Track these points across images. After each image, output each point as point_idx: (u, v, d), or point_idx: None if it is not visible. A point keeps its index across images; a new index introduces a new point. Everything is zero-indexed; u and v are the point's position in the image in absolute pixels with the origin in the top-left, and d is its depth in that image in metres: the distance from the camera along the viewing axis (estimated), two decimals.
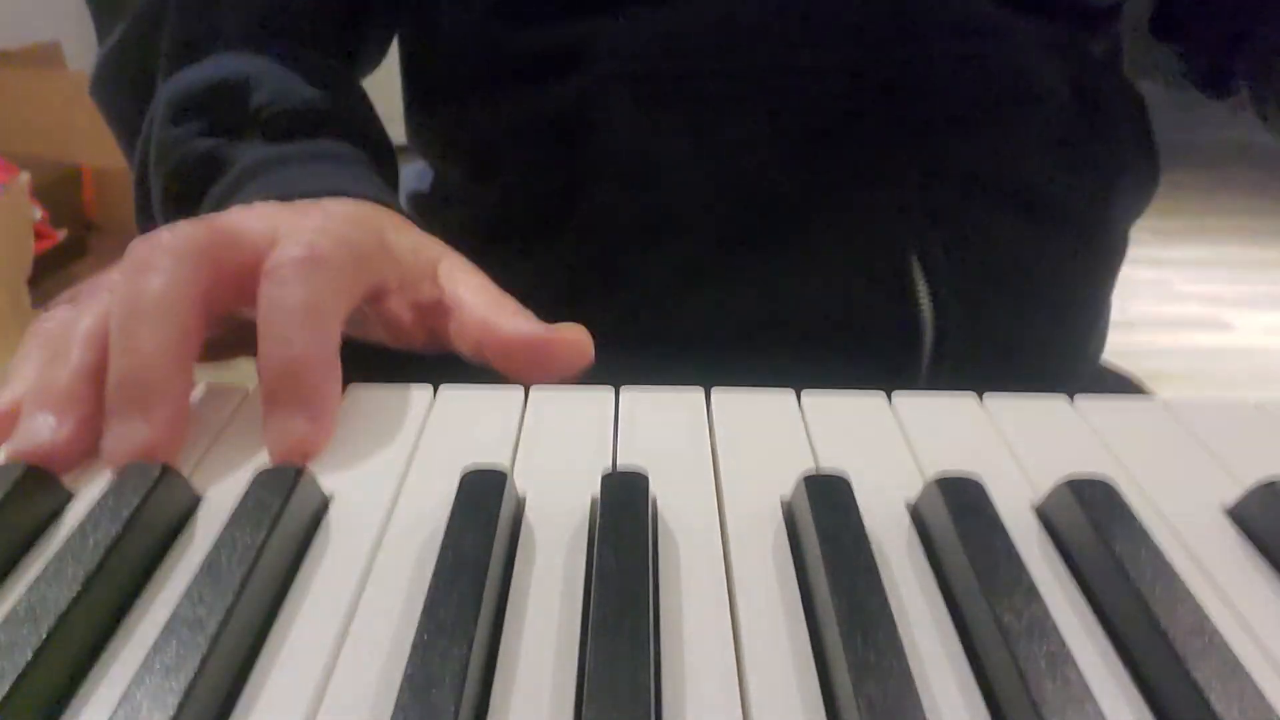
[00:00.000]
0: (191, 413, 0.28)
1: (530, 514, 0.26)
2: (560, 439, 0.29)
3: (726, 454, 0.29)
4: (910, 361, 0.47)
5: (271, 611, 0.22)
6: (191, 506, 0.26)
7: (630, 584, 0.21)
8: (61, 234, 1.84)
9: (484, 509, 0.23)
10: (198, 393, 0.31)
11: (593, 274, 0.48)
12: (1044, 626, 0.20)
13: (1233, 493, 0.27)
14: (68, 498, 0.26)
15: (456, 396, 0.31)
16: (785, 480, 0.27)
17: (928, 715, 0.19)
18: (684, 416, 0.30)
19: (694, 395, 0.31)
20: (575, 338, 0.33)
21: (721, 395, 0.31)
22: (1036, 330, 0.51)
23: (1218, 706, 0.19)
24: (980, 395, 0.32)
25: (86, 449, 0.27)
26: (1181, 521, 0.26)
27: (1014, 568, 0.22)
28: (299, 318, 0.28)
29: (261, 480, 0.25)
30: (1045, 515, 0.26)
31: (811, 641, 0.22)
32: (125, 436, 0.26)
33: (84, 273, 1.83)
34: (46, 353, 0.29)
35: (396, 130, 0.50)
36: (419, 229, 0.38)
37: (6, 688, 0.19)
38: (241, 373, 0.37)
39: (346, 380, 0.30)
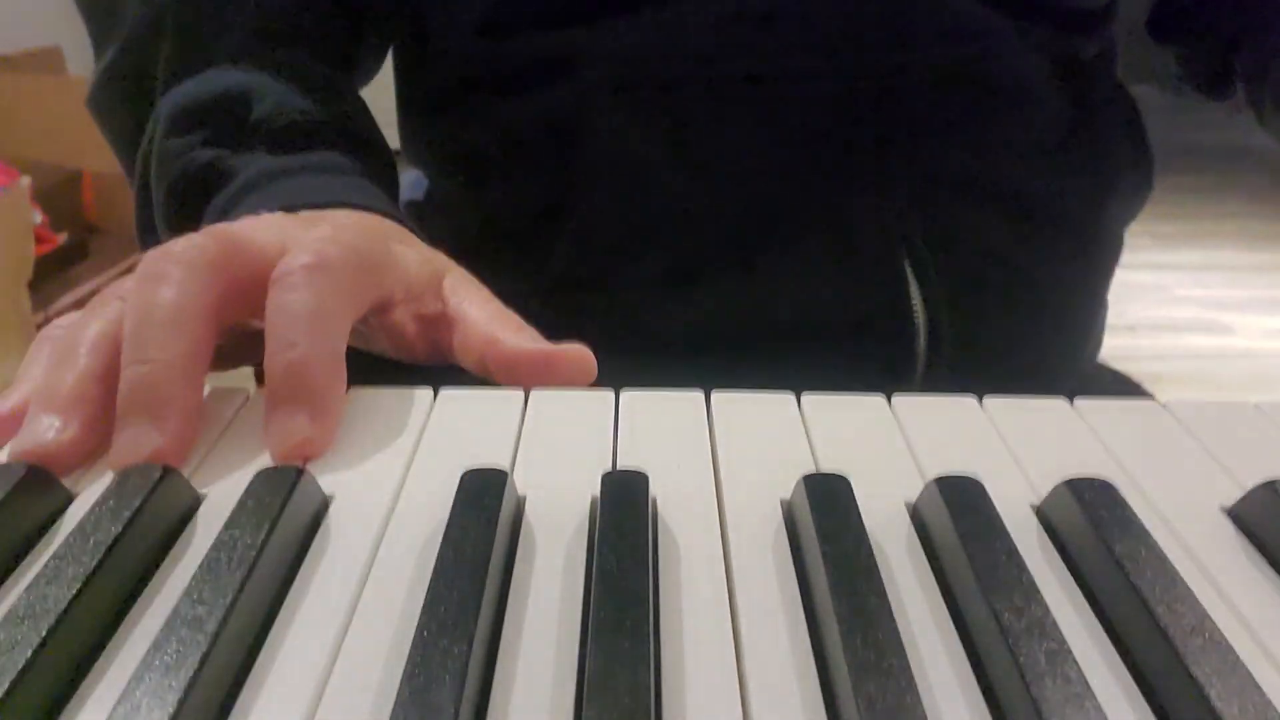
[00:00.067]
0: None
1: (530, 514, 0.26)
2: (560, 440, 0.29)
3: (726, 455, 0.29)
4: (904, 366, 0.47)
5: (271, 611, 0.22)
6: (192, 507, 0.26)
7: (630, 584, 0.21)
8: (62, 237, 1.84)
9: (484, 509, 0.23)
10: None
11: (584, 280, 0.48)
12: (1044, 626, 0.20)
13: (1233, 493, 0.27)
14: (68, 498, 0.26)
15: (457, 398, 0.31)
16: (785, 481, 0.27)
17: (928, 715, 0.19)
18: (684, 418, 0.30)
19: (694, 397, 0.31)
20: (579, 355, 0.33)
21: (721, 397, 0.31)
22: (1030, 333, 0.51)
23: (1217, 705, 0.19)
24: (980, 397, 0.32)
25: (89, 451, 0.27)
26: (1181, 521, 0.26)
27: (1014, 568, 0.22)
28: (305, 321, 0.28)
29: (261, 480, 0.25)
30: (1045, 515, 0.26)
31: (811, 641, 0.22)
32: (134, 443, 0.26)
33: (84, 276, 1.83)
34: (54, 356, 0.29)
35: (391, 136, 0.50)
36: (423, 242, 0.39)
37: (6, 687, 0.19)
38: (243, 373, 0.37)
39: (348, 384, 0.30)
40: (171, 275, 0.28)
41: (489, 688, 0.20)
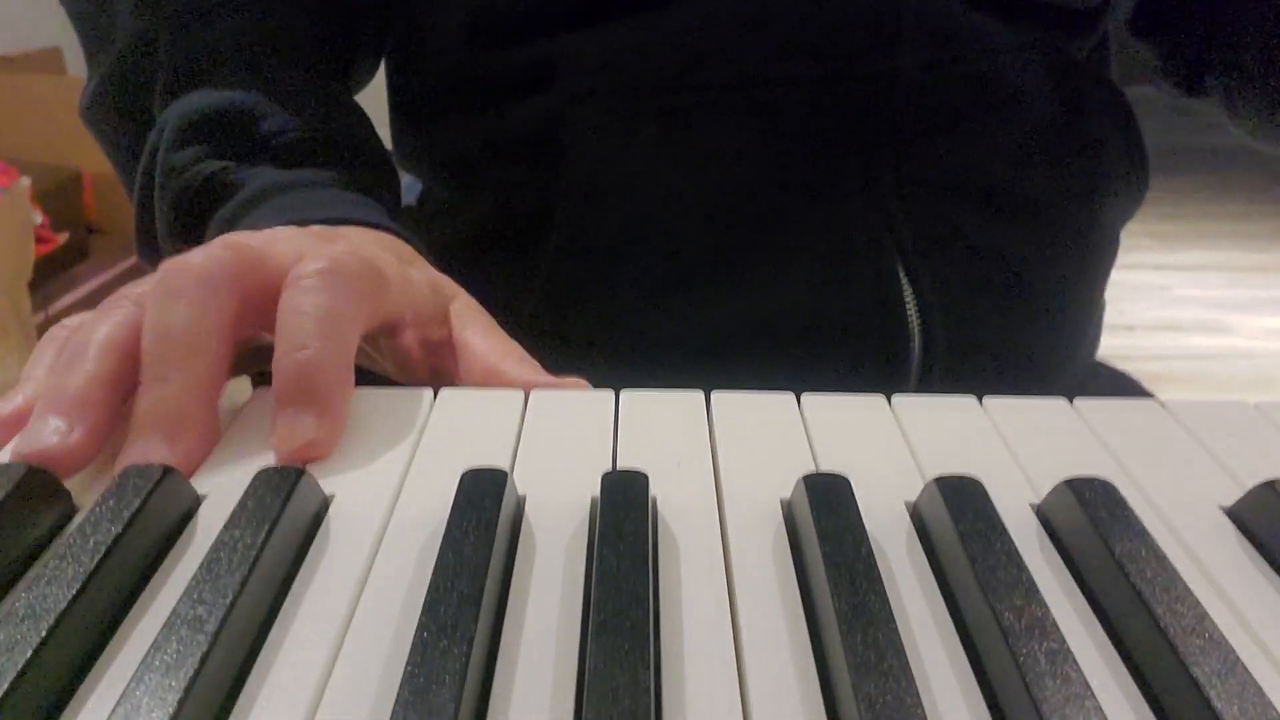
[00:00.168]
0: None
1: (530, 514, 0.26)
2: (560, 440, 0.29)
3: (726, 455, 0.29)
4: (899, 368, 0.47)
5: (271, 611, 0.22)
6: (192, 507, 0.26)
7: (630, 584, 0.21)
8: (62, 238, 1.84)
9: (484, 509, 0.23)
10: None
11: (574, 286, 0.48)
12: (1044, 625, 0.20)
13: (1232, 493, 0.27)
14: (69, 499, 0.26)
15: (456, 398, 0.31)
16: (785, 480, 0.27)
17: (928, 715, 0.19)
18: (684, 418, 0.30)
19: (694, 397, 0.31)
20: (578, 388, 0.33)
21: (721, 397, 0.31)
22: (1025, 335, 0.51)
23: (1217, 705, 0.19)
24: (980, 397, 0.32)
25: (93, 456, 0.27)
26: (1181, 521, 0.26)
27: (1014, 568, 0.22)
28: (316, 323, 0.28)
29: (261, 480, 0.25)
30: (1045, 515, 0.26)
31: (811, 641, 0.22)
32: (145, 458, 0.26)
33: (84, 276, 1.83)
34: (61, 357, 0.29)
35: (384, 140, 0.50)
36: (432, 265, 0.39)
37: (6, 687, 0.19)
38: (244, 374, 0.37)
39: None
40: (190, 292, 0.28)
41: (489, 688, 0.20)
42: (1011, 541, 0.23)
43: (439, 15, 0.49)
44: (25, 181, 1.67)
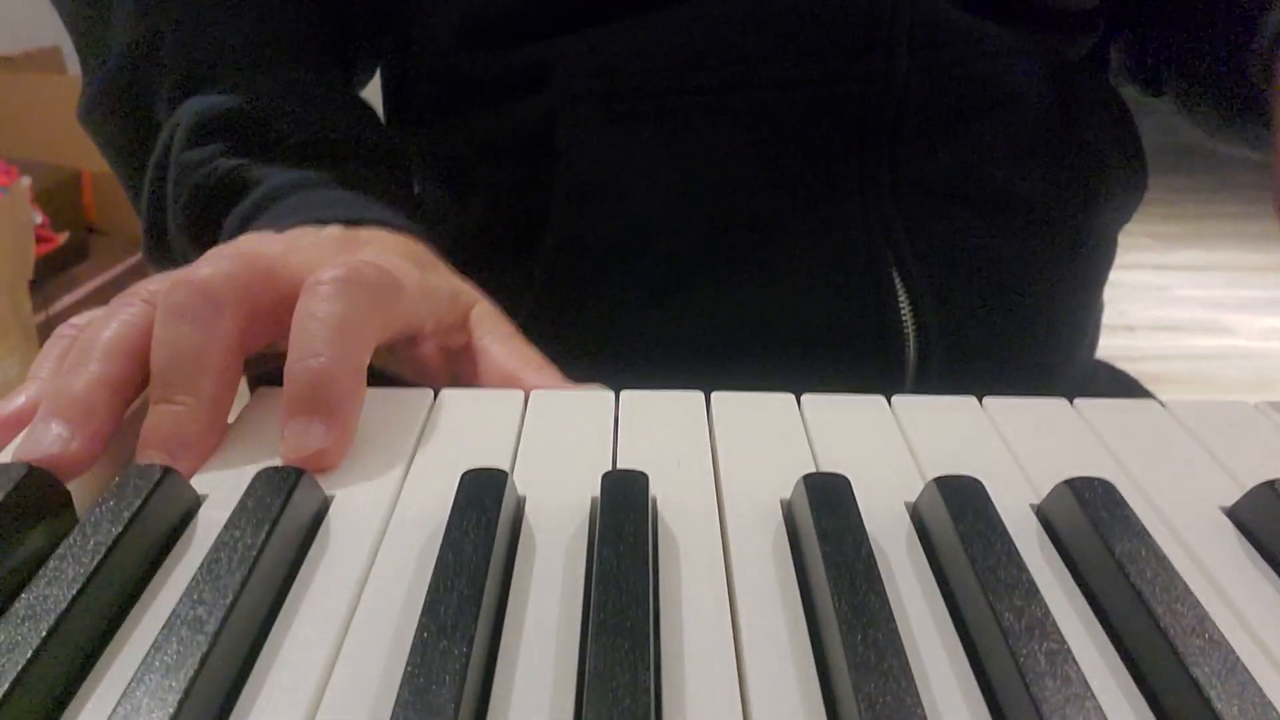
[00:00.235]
0: None
1: (530, 514, 0.26)
2: (560, 440, 0.29)
3: (726, 455, 0.29)
4: (894, 372, 0.47)
5: (271, 611, 0.22)
6: (192, 506, 0.26)
7: (630, 584, 0.21)
8: (62, 238, 1.84)
9: (484, 509, 0.23)
10: None
11: (570, 288, 0.48)
12: (1044, 625, 0.20)
13: (1232, 493, 0.27)
14: (69, 500, 0.26)
15: (457, 398, 0.31)
16: (785, 480, 0.27)
17: (928, 715, 0.19)
18: (684, 418, 0.30)
19: (694, 397, 0.31)
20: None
21: (721, 397, 0.31)
22: (1021, 338, 0.50)
23: (1217, 705, 0.19)
24: (980, 397, 0.32)
25: (93, 461, 0.27)
26: (1181, 521, 0.26)
27: (1014, 568, 0.22)
28: (330, 331, 0.28)
29: (261, 480, 0.25)
30: (1045, 515, 0.26)
31: (811, 641, 0.22)
32: None
33: (84, 276, 1.83)
34: (67, 358, 0.29)
35: None
36: (452, 270, 0.39)
37: (6, 687, 0.19)
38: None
39: None
40: (196, 310, 0.28)
41: (489, 688, 0.20)
42: (1011, 541, 0.23)
43: (433, 16, 0.49)
44: (25, 181, 1.67)
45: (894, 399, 0.32)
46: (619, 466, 0.27)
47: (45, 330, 1.67)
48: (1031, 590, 0.22)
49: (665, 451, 0.28)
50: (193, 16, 0.47)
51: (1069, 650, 0.20)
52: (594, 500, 0.26)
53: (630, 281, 0.47)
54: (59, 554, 0.22)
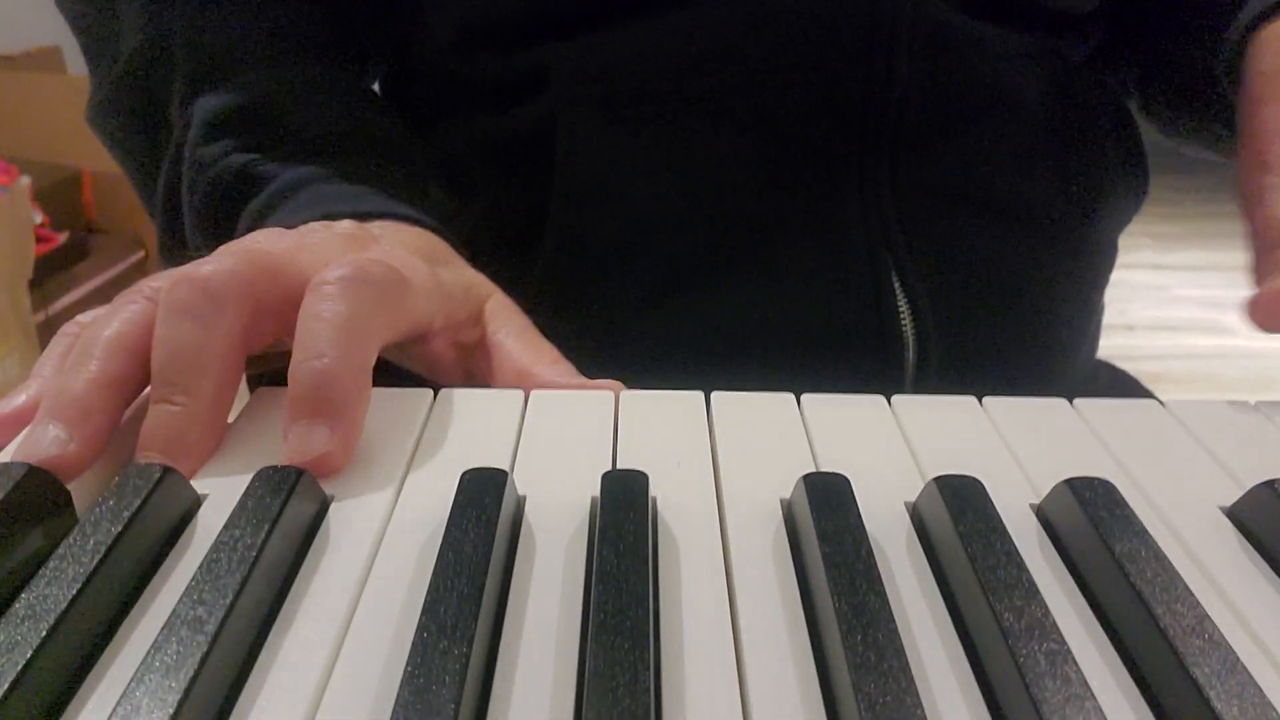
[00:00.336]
0: None
1: (530, 514, 0.26)
2: (560, 440, 0.29)
3: (726, 454, 0.29)
4: (892, 375, 0.47)
5: (271, 611, 0.22)
6: (192, 506, 0.26)
7: (630, 583, 0.21)
8: (62, 237, 1.84)
9: (484, 509, 0.23)
10: None
11: (570, 290, 0.48)
12: (1044, 626, 0.20)
13: (1232, 493, 0.27)
14: (69, 499, 0.26)
15: (456, 397, 0.31)
16: (785, 480, 0.27)
17: (928, 715, 0.19)
18: (684, 418, 0.30)
19: (694, 397, 0.31)
20: (613, 390, 0.33)
21: (721, 397, 0.31)
22: (1020, 342, 0.50)
23: (1217, 705, 0.19)
24: (980, 397, 0.32)
25: (91, 462, 0.27)
26: (1181, 521, 0.26)
27: (1014, 568, 0.22)
28: (336, 332, 0.28)
29: (261, 480, 0.25)
30: (1045, 515, 0.26)
31: (811, 641, 0.22)
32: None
33: (84, 275, 1.83)
34: (69, 356, 0.29)
35: None
36: (466, 262, 0.38)
37: (6, 687, 0.19)
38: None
39: None
40: (198, 308, 0.28)
41: (489, 688, 0.20)
42: (1011, 541, 0.23)
43: (434, 18, 0.49)
44: (25, 180, 1.67)
45: (894, 399, 0.32)
46: (619, 466, 0.27)
47: (45, 330, 1.67)
48: (1031, 590, 0.22)
49: (665, 451, 0.28)
50: (202, 14, 0.46)
51: (1069, 650, 0.20)
52: (594, 500, 0.26)
53: (630, 282, 0.47)
54: (59, 554, 0.22)
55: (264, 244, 0.33)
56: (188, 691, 0.18)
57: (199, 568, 0.22)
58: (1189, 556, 0.25)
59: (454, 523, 0.23)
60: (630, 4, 0.45)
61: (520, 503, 0.26)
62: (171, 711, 0.18)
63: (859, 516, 0.24)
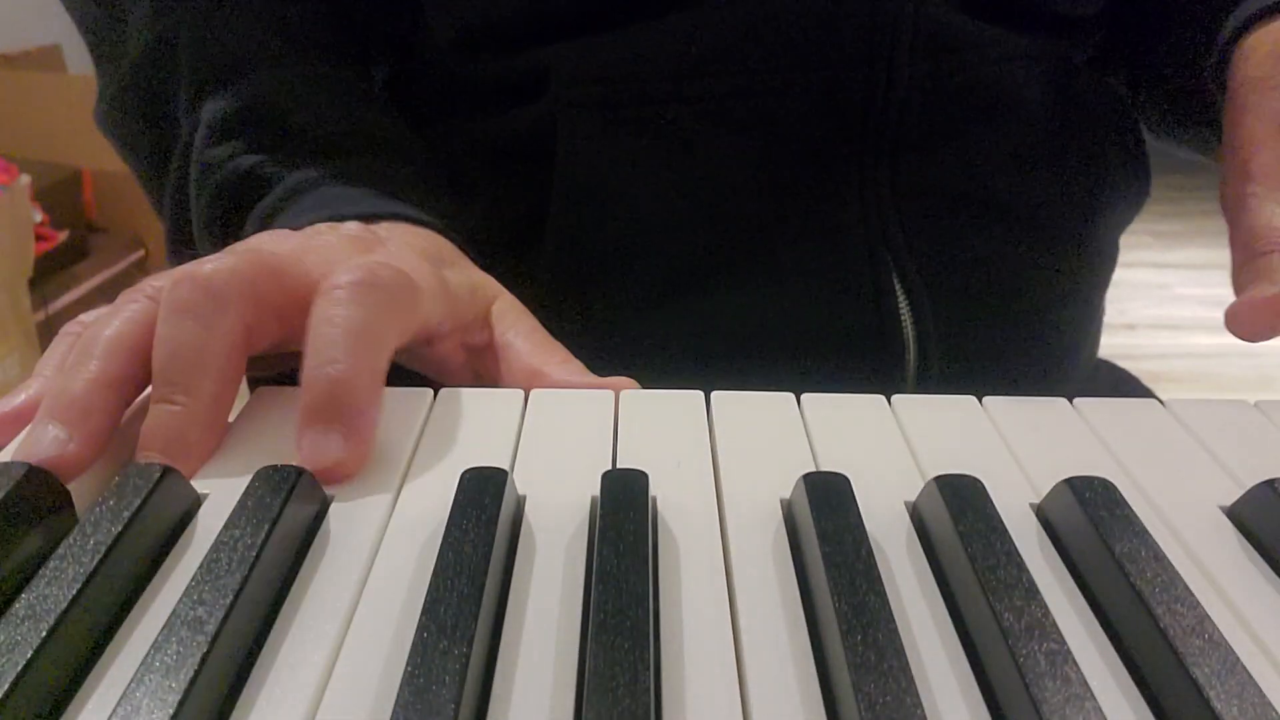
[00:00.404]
0: None
1: (530, 514, 0.26)
2: (560, 439, 0.29)
3: (726, 454, 0.29)
4: (894, 374, 0.47)
5: (271, 611, 0.22)
6: (192, 506, 0.26)
7: (630, 583, 0.21)
8: (62, 236, 1.84)
9: (484, 509, 0.23)
10: None
11: (570, 291, 0.48)
12: (1044, 626, 0.20)
13: (1232, 493, 0.27)
14: (69, 499, 0.26)
15: (456, 397, 0.31)
16: (785, 480, 0.27)
17: (928, 715, 0.19)
18: (684, 417, 0.30)
19: (694, 397, 0.31)
20: (625, 387, 0.33)
21: (721, 397, 0.31)
22: (1021, 345, 0.50)
23: (1217, 705, 0.19)
24: (980, 397, 0.32)
25: (90, 462, 0.27)
26: (1181, 521, 0.26)
27: (1014, 568, 0.22)
28: (349, 338, 0.28)
29: (261, 480, 0.25)
30: (1045, 515, 0.26)
31: (811, 641, 0.22)
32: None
33: (84, 275, 1.83)
34: (70, 356, 0.29)
35: None
36: (474, 263, 0.38)
37: (6, 687, 0.19)
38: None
39: None
40: (199, 308, 0.28)
41: (489, 688, 0.20)
42: (1011, 541, 0.23)
43: (435, 18, 0.49)
44: (25, 179, 1.67)
45: (894, 399, 0.32)
46: (619, 466, 0.27)
47: (45, 329, 1.67)
48: (1031, 590, 0.22)
49: (665, 451, 0.28)
50: (209, 15, 0.46)
51: (1069, 650, 0.20)
52: (594, 500, 0.26)
53: (630, 283, 0.47)
54: (59, 554, 0.22)
55: (269, 244, 0.33)
56: (188, 692, 0.18)
57: (199, 568, 0.22)
58: (1189, 556, 0.25)
59: (454, 522, 0.23)
60: (631, 6, 0.44)
61: (520, 502, 0.26)
62: (171, 711, 0.18)
63: (859, 516, 0.24)
